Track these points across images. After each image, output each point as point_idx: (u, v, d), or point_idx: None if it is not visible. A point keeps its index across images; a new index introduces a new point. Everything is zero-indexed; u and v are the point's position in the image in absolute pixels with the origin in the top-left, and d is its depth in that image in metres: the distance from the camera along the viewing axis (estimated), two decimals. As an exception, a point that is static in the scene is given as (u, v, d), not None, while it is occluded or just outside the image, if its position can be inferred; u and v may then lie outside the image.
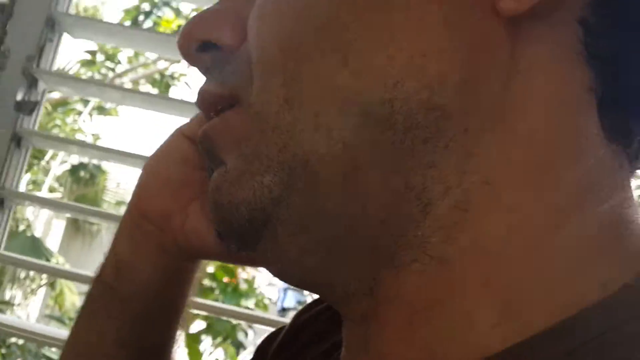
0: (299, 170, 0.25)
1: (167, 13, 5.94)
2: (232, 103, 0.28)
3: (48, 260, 4.62)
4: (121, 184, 6.53)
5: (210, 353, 5.00)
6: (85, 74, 5.79)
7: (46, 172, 6.06)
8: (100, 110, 6.19)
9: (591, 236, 0.24)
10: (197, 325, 4.62)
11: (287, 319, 0.58)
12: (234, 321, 4.17)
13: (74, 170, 6.18)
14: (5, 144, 0.87)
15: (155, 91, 5.69)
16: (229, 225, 0.28)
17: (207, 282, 4.74)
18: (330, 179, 0.25)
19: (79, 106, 6.07)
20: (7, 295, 5.20)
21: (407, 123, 0.24)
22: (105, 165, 6.06)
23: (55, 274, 0.82)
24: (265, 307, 5.20)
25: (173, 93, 6.22)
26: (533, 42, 0.24)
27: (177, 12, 5.83)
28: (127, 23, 5.79)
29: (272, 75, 0.26)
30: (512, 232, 0.24)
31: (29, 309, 5.64)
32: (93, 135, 6.23)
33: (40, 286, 5.53)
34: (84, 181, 6.28)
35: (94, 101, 5.62)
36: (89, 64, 5.92)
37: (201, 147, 0.30)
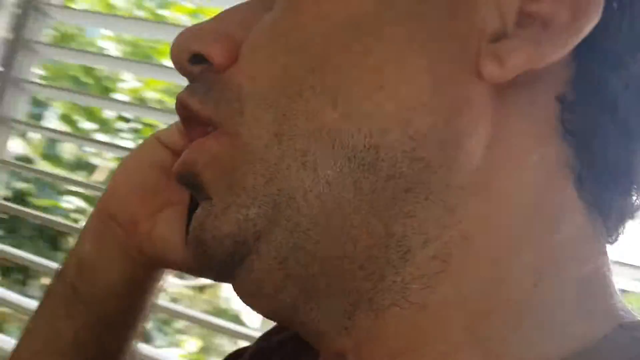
0: (283, 206, 0.25)
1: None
2: (211, 126, 0.28)
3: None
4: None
5: None
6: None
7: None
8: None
9: (570, 295, 0.25)
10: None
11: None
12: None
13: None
14: None
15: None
16: (209, 259, 0.28)
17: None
18: (313, 217, 0.25)
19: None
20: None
21: (391, 171, 0.24)
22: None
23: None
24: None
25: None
26: (514, 112, 0.25)
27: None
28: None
29: (264, 109, 0.26)
30: (492, 285, 0.24)
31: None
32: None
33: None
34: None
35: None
36: None
37: (182, 181, 0.30)
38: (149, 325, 0.43)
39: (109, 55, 1.37)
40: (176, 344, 1.53)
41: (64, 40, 1.64)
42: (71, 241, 1.47)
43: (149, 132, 0.70)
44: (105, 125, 1.70)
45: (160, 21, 1.42)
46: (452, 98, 0.24)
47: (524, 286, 0.24)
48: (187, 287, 1.53)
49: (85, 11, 1.16)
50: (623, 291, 0.38)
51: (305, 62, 0.26)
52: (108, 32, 1.66)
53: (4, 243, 1.01)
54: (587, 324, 0.24)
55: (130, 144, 1.42)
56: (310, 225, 0.25)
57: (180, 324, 1.51)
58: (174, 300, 1.48)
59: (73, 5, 1.39)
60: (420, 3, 0.25)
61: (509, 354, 0.24)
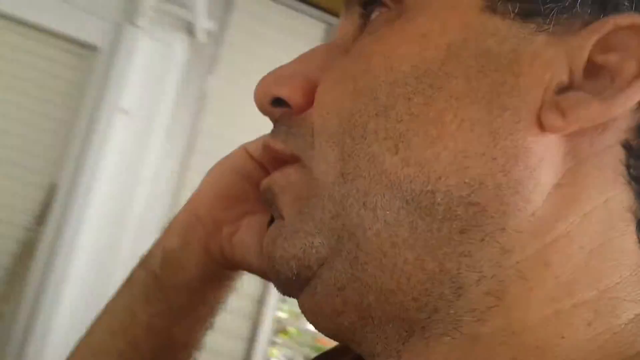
0: (345, 239, 0.28)
1: None
2: (292, 161, 0.31)
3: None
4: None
5: None
6: None
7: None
8: None
9: (623, 337, 0.25)
10: None
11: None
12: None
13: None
14: None
15: None
16: (277, 275, 0.30)
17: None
18: (370, 253, 0.27)
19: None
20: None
21: (447, 214, 0.26)
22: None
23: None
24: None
25: None
26: (579, 159, 0.26)
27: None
28: None
29: (330, 147, 0.29)
30: (544, 324, 0.25)
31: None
32: None
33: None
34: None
35: None
36: None
37: (263, 198, 0.33)
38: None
39: None
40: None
41: None
42: None
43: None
44: None
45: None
46: (510, 148, 0.25)
47: (577, 325, 0.25)
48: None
49: None
50: None
51: (370, 108, 0.27)
52: None
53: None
54: None
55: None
56: (367, 259, 0.27)
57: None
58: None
59: None
60: (485, 57, 0.26)
61: None
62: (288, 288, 0.31)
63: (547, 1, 0.26)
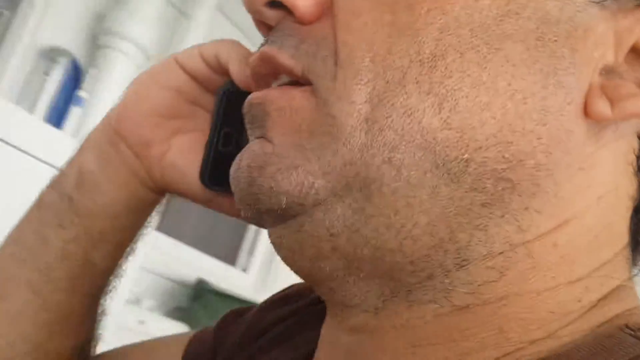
0: (354, 189, 0.25)
1: None
2: (301, 83, 0.26)
3: None
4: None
5: None
6: None
7: None
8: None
9: (605, 333, 0.25)
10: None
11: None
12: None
13: None
14: None
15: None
16: (256, 202, 0.27)
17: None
18: (380, 208, 0.25)
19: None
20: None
21: (475, 185, 0.24)
22: None
23: None
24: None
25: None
26: (602, 146, 0.25)
27: None
28: None
29: (358, 85, 0.25)
30: (537, 298, 0.25)
31: None
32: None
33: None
34: None
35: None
36: None
37: (248, 113, 0.29)
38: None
39: None
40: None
41: None
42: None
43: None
44: None
45: None
46: (556, 129, 0.24)
47: (568, 301, 0.25)
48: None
49: None
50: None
51: (413, 51, 0.24)
52: None
53: None
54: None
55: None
56: (374, 213, 0.25)
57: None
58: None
59: None
60: (545, 23, 0.24)
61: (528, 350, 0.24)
62: (263, 217, 0.28)
63: None
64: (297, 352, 0.36)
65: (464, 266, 0.25)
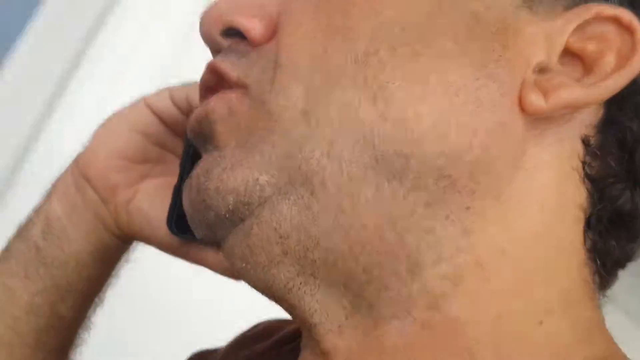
0: (297, 183, 0.24)
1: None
2: (237, 87, 0.27)
3: None
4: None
5: None
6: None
7: None
8: None
9: (565, 338, 0.25)
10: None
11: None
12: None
13: None
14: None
15: None
16: (206, 211, 0.26)
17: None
18: (326, 205, 0.24)
19: None
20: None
21: (416, 182, 0.24)
22: None
23: None
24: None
25: None
26: (542, 146, 0.25)
27: None
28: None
29: (295, 82, 0.25)
30: (499, 318, 0.24)
31: None
32: None
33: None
34: None
35: None
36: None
37: (194, 131, 0.29)
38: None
39: None
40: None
41: None
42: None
43: None
44: None
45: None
46: (492, 122, 0.24)
47: (529, 323, 0.24)
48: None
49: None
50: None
51: (348, 50, 0.25)
52: None
53: None
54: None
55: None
56: (321, 210, 0.24)
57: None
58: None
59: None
60: (474, 20, 0.25)
61: None
62: (214, 229, 0.27)
63: None
64: None
65: (416, 274, 0.24)
